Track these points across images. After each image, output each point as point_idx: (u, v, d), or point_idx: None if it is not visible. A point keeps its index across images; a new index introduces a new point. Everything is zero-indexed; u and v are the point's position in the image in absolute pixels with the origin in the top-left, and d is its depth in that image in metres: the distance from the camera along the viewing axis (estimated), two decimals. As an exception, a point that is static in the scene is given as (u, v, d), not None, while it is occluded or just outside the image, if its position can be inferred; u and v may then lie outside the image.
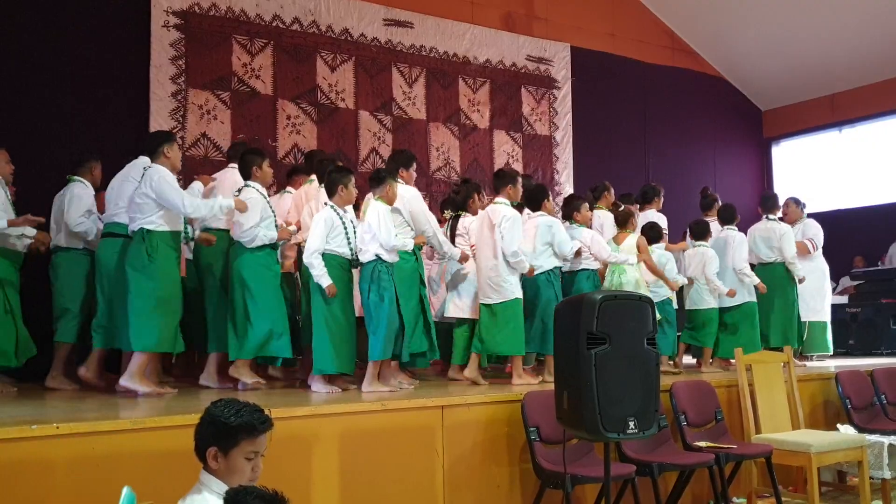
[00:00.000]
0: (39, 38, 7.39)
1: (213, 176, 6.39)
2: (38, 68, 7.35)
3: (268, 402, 4.50)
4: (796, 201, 8.40)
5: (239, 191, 5.60)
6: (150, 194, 5.12)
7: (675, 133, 11.87)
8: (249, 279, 5.40)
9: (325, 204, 5.44)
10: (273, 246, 5.57)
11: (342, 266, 5.37)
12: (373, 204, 5.48)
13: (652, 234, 7.15)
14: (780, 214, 8.00)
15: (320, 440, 4.15)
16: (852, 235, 8.36)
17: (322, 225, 5.28)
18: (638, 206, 8.06)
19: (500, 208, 6.02)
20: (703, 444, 5.14)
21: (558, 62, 10.92)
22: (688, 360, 7.99)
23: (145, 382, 5.11)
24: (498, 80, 10.43)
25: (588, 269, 6.62)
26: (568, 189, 10.49)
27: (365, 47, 9.41)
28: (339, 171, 5.54)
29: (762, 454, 5.21)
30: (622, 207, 7.39)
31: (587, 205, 6.96)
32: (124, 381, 5.05)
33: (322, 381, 5.24)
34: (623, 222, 6.94)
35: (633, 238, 6.80)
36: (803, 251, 7.98)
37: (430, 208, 6.47)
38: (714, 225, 7.76)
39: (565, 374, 3.65)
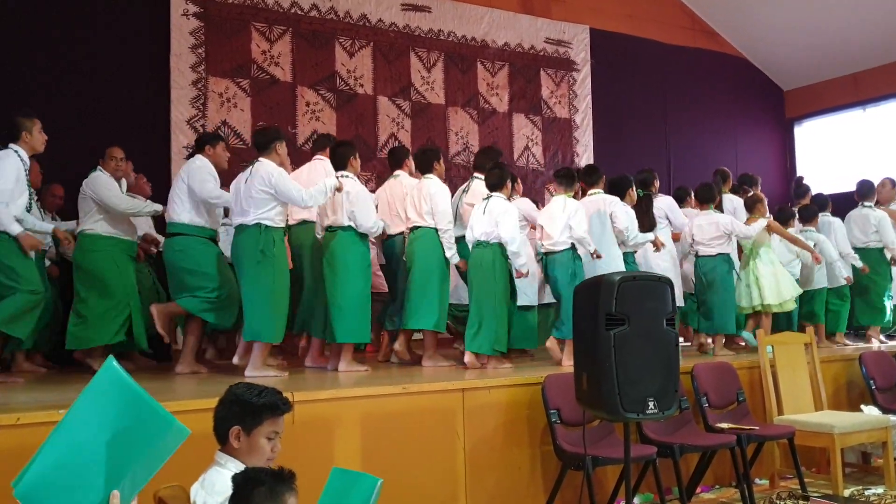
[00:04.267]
0: (60, 29, 7.45)
1: (300, 170, 6.44)
2: (59, 58, 7.42)
3: (290, 385, 4.57)
4: (893, 182, 8.59)
5: (337, 179, 5.69)
6: (268, 190, 5.20)
7: (695, 114, 11.77)
8: (354, 266, 5.55)
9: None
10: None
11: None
12: (569, 200, 6.06)
13: (783, 216, 7.54)
14: (874, 200, 8.26)
15: (342, 423, 4.19)
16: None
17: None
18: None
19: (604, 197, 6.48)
20: (724, 425, 5.13)
21: (577, 44, 10.86)
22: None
23: (270, 368, 5.29)
24: (517, 63, 10.39)
25: (724, 253, 6.90)
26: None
27: (383, 33, 9.41)
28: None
29: (785, 435, 5.19)
30: (751, 193, 7.64)
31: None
32: (251, 373, 5.12)
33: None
34: (751, 207, 7.23)
35: (762, 222, 7.05)
36: None
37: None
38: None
39: (585, 355, 3.66)
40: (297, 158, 7.27)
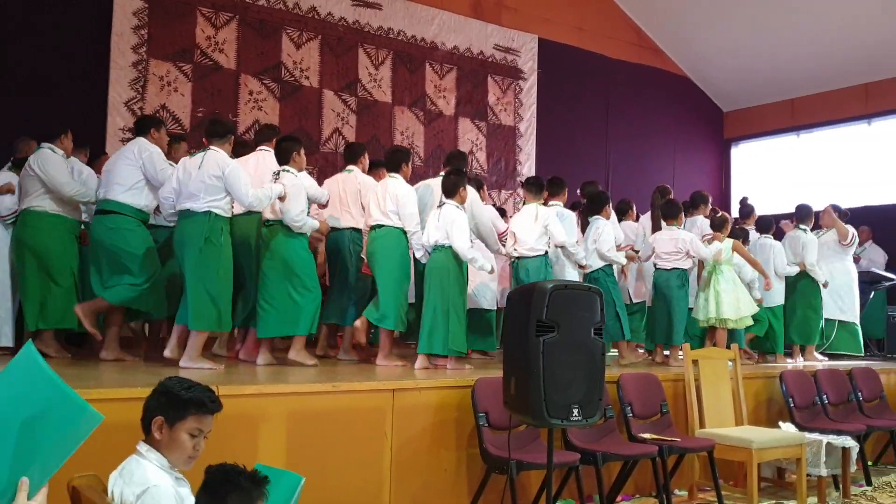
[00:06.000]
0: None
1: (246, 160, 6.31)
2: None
3: (216, 379, 4.49)
4: (835, 208, 8.75)
5: (277, 174, 5.58)
6: (221, 178, 5.12)
7: (636, 129, 11.98)
8: (294, 261, 5.49)
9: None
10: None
11: None
12: (541, 208, 6.30)
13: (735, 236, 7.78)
14: (811, 225, 8.41)
15: (268, 419, 4.13)
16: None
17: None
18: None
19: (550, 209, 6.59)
20: (647, 435, 5.21)
21: (525, 53, 10.95)
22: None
23: (205, 360, 5.16)
24: (465, 67, 10.42)
25: (679, 269, 7.11)
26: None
27: (332, 26, 9.35)
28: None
29: (705, 448, 5.29)
30: (719, 213, 7.79)
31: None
32: (185, 363, 5.01)
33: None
34: (720, 227, 7.39)
35: (728, 243, 7.25)
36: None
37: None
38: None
39: (514, 360, 3.69)
40: (237, 147, 7.14)
